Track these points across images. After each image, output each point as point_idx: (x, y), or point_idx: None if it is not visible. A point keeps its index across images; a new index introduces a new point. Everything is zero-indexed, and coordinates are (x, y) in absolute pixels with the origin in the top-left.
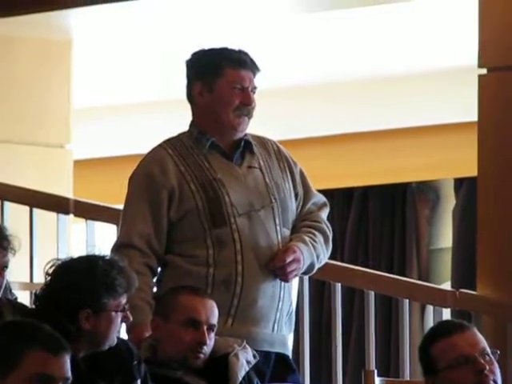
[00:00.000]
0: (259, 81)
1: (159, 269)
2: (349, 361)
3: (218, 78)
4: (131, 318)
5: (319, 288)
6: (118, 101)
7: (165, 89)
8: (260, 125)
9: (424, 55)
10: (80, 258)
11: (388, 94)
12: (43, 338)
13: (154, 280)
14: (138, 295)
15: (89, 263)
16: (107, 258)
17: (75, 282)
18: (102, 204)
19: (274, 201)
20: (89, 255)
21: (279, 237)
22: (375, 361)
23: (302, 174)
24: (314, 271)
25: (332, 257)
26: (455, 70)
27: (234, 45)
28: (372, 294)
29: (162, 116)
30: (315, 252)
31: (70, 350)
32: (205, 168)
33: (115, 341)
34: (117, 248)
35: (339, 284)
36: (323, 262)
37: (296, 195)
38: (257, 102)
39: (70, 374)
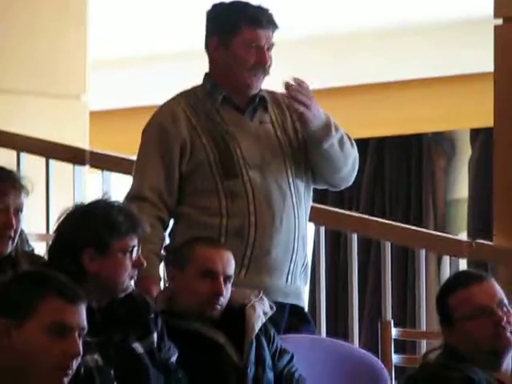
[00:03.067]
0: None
1: (171, 221)
2: (365, 312)
3: (234, 35)
4: (145, 263)
5: (335, 239)
6: (135, 51)
7: (184, 39)
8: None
9: (439, 6)
10: (83, 203)
11: (402, 46)
12: (59, 286)
13: (166, 233)
14: (146, 247)
15: (89, 205)
16: (108, 200)
17: (76, 222)
18: (118, 155)
19: (285, 154)
20: (91, 202)
21: (292, 188)
22: (392, 312)
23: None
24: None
25: (348, 207)
26: (470, 21)
27: None
28: (388, 244)
29: (180, 67)
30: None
31: (85, 299)
32: (216, 121)
33: (128, 286)
34: (128, 200)
35: (355, 234)
36: (348, 150)
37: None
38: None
39: (85, 323)
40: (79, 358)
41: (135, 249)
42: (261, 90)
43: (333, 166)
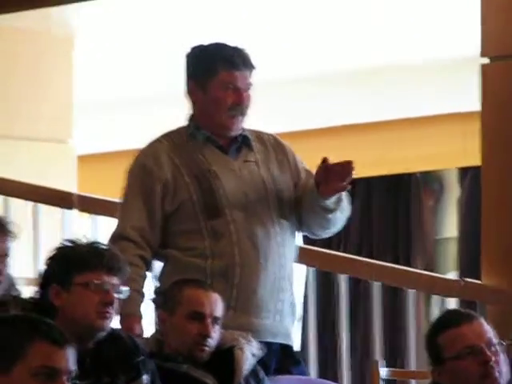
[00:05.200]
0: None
1: (157, 263)
2: (356, 352)
3: (211, 78)
4: (114, 300)
5: (325, 279)
6: (121, 95)
7: (169, 82)
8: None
9: (425, 45)
10: (59, 244)
11: (390, 85)
12: (47, 330)
13: (149, 272)
14: (129, 285)
15: (63, 243)
16: (84, 239)
17: (48, 260)
18: (105, 198)
19: (269, 193)
20: (70, 240)
21: (277, 227)
22: (381, 351)
23: (301, 162)
24: (337, 213)
25: (336, 248)
26: (457, 60)
27: (240, 35)
28: (377, 284)
29: (165, 110)
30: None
31: (73, 343)
32: (200, 160)
33: (101, 325)
34: (112, 240)
35: (344, 275)
36: (346, 212)
37: (296, 184)
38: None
39: (73, 366)
40: None
41: (105, 285)
42: (244, 130)
43: (326, 227)
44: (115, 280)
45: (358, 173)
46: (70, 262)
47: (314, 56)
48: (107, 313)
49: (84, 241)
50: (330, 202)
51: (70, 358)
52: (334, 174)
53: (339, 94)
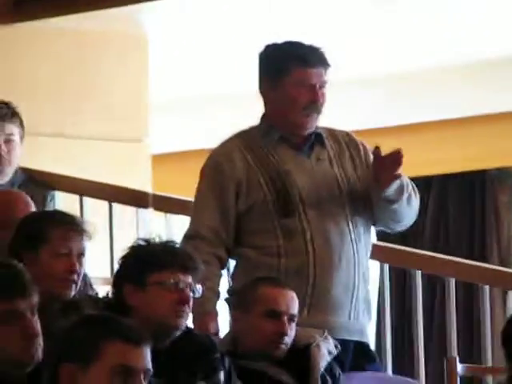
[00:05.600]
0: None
1: (231, 262)
2: (432, 349)
3: (285, 76)
4: (190, 300)
5: (401, 277)
6: (196, 93)
7: (243, 81)
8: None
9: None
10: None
11: (461, 82)
12: (123, 329)
13: (224, 270)
14: (204, 284)
15: (137, 242)
16: (158, 239)
17: (122, 259)
18: (180, 197)
19: (343, 190)
20: (144, 238)
21: (350, 225)
22: (457, 348)
23: None
24: (402, 204)
25: (412, 245)
26: None
27: (316, 34)
28: (453, 280)
29: (240, 109)
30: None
31: (150, 341)
32: (273, 160)
33: (178, 324)
34: (186, 239)
35: (419, 271)
36: (414, 204)
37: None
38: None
39: (150, 365)
40: None
41: (181, 284)
42: (317, 128)
43: (396, 219)
44: (190, 279)
45: (432, 170)
46: (144, 261)
47: (384, 56)
48: (183, 311)
49: (157, 240)
50: (390, 192)
51: (146, 357)
52: (386, 164)
53: (410, 92)
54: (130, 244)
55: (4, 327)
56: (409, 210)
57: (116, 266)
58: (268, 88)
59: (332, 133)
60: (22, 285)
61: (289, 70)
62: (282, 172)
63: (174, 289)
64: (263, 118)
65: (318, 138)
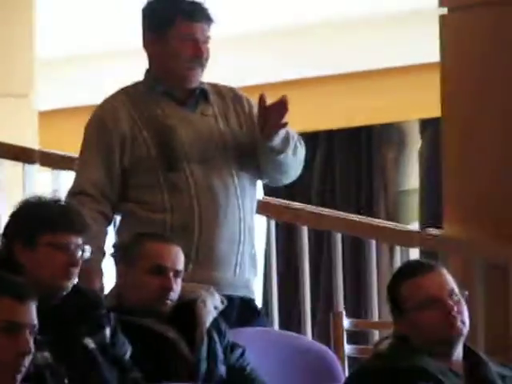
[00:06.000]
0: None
1: (114, 216)
2: (319, 304)
3: (170, 29)
4: (78, 264)
5: (287, 232)
6: (82, 50)
7: (129, 37)
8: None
9: None
10: (24, 199)
11: (351, 37)
12: (8, 285)
13: (110, 227)
14: (90, 242)
15: (28, 199)
16: (51, 196)
17: (12, 216)
18: (66, 154)
19: (227, 145)
20: (35, 196)
21: (235, 180)
22: (344, 303)
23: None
24: (288, 155)
25: (299, 200)
26: (417, 11)
27: None
28: (339, 235)
29: (126, 65)
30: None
31: (36, 297)
32: (158, 114)
33: (64, 285)
34: (70, 195)
35: (306, 227)
36: (299, 155)
37: (253, 136)
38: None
39: (36, 321)
40: (30, 356)
41: (72, 246)
42: (202, 83)
43: (282, 171)
44: (80, 240)
45: (318, 125)
46: (35, 221)
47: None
48: (72, 273)
49: (47, 198)
50: (276, 142)
51: (31, 313)
52: (272, 113)
53: (301, 45)
54: (18, 201)
55: None
56: (295, 161)
57: (4, 223)
58: (152, 42)
59: (217, 88)
60: None
61: (173, 24)
62: (166, 127)
63: (65, 250)
64: (147, 72)
65: (202, 93)
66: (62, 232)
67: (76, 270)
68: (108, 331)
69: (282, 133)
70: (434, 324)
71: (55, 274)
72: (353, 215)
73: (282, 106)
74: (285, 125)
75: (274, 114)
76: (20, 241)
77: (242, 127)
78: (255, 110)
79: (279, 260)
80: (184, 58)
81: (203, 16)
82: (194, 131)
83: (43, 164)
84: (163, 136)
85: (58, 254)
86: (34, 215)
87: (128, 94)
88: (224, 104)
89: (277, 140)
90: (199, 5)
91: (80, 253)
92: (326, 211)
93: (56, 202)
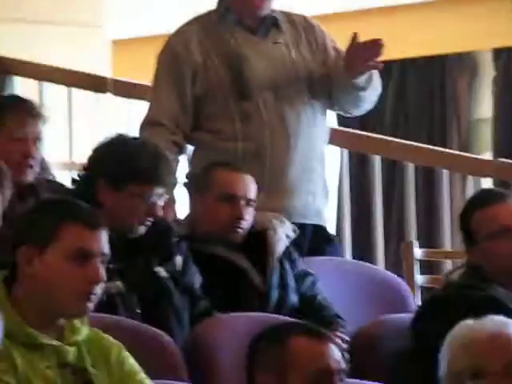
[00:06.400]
0: None
1: (187, 145)
2: (392, 236)
3: None
4: (159, 214)
5: (360, 161)
6: None
7: None
8: None
9: None
10: (122, 135)
11: None
12: (80, 212)
13: (182, 156)
14: None
15: (116, 139)
16: (146, 142)
17: (103, 152)
18: (140, 82)
19: (299, 73)
20: (129, 137)
21: (307, 109)
22: (417, 234)
23: (332, 41)
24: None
25: (371, 130)
26: None
27: None
28: (411, 165)
29: None
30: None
31: (106, 226)
32: (229, 43)
33: (137, 230)
34: (144, 125)
35: (378, 156)
36: (378, 90)
37: (325, 63)
38: None
39: (107, 249)
40: (101, 284)
41: (155, 197)
42: (273, 11)
43: (358, 105)
44: (163, 190)
45: (391, 55)
46: (129, 169)
47: None
48: (148, 221)
49: (137, 142)
50: (362, 79)
51: (103, 241)
52: (364, 52)
53: None
54: (111, 133)
55: None
56: (372, 96)
57: (82, 155)
58: None
59: (289, 16)
60: None
61: None
62: (239, 55)
63: (148, 200)
64: (220, 1)
65: (274, 21)
66: (150, 185)
67: (152, 218)
68: (179, 260)
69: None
70: (505, 253)
71: (132, 220)
72: (424, 145)
73: (376, 47)
74: (377, 66)
75: (366, 52)
76: (105, 180)
77: (313, 55)
78: (327, 37)
79: (352, 190)
80: None
81: None
82: (266, 59)
83: (117, 93)
84: (235, 64)
85: (141, 203)
86: (124, 161)
87: (200, 23)
88: (296, 32)
89: (363, 78)
90: None
91: (160, 201)
92: (397, 141)
93: (151, 155)
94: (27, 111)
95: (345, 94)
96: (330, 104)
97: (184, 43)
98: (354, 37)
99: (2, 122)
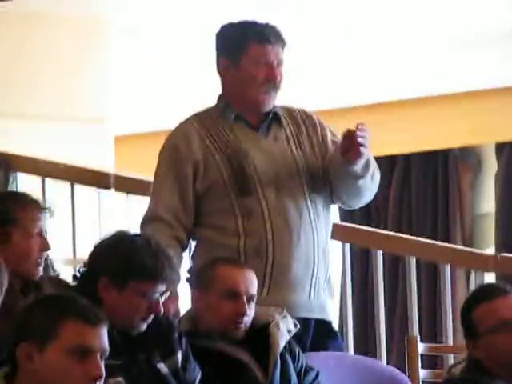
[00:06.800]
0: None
1: (189, 241)
2: (395, 328)
3: (243, 53)
4: (162, 311)
5: (365, 257)
6: (155, 75)
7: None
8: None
9: (466, 22)
10: (121, 232)
11: (426, 62)
12: (80, 308)
13: (184, 252)
14: None
15: (118, 235)
16: (148, 239)
17: (104, 249)
18: (142, 178)
19: (300, 168)
20: (130, 234)
21: (309, 203)
22: (421, 328)
23: (333, 135)
24: (367, 180)
25: (375, 225)
26: (495, 36)
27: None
28: (413, 259)
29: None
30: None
31: (106, 321)
32: (230, 139)
33: (139, 326)
34: (145, 221)
35: (380, 251)
36: (376, 179)
37: (324, 157)
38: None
39: (107, 345)
40: (102, 380)
41: (157, 294)
42: (275, 107)
43: (357, 195)
44: (165, 286)
45: (396, 150)
46: (131, 267)
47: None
48: (150, 317)
49: (139, 239)
50: (358, 167)
51: (103, 337)
52: (354, 140)
53: (375, 72)
54: (111, 230)
55: None
56: (372, 186)
57: (88, 251)
58: (225, 67)
59: (289, 111)
60: None
61: (246, 47)
62: (239, 151)
63: (150, 298)
64: (220, 97)
65: (275, 116)
66: (151, 282)
67: (153, 315)
68: (180, 356)
69: (363, 158)
70: (507, 348)
71: (134, 316)
72: (427, 240)
73: (363, 132)
74: (363, 154)
75: (356, 140)
76: (106, 278)
77: (314, 149)
78: (327, 131)
79: (356, 284)
80: (257, 81)
81: (276, 38)
82: (267, 155)
83: (118, 189)
84: (236, 160)
85: (142, 300)
86: (129, 259)
87: (200, 118)
88: (297, 127)
89: (358, 165)
90: (271, 27)
91: (162, 298)
92: (399, 236)
93: (153, 251)
94: (38, 206)
95: (343, 183)
96: (331, 198)
97: (184, 140)
98: (349, 132)
99: (16, 218)
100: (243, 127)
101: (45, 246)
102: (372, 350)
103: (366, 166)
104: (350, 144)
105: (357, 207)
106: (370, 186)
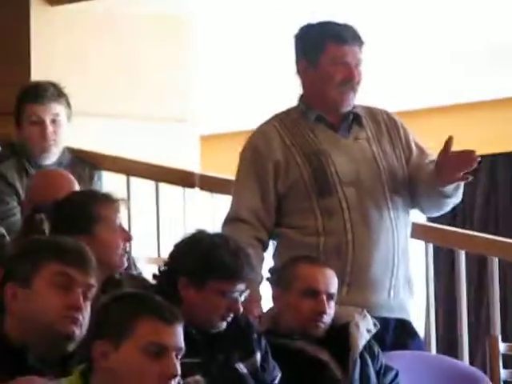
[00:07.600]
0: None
1: (270, 241)
2: (481, 328)
3: (321, 53)
4: (241, 310)
5: (450, 256)
6: (242, 75)
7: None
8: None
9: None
10: (202, 231)
11: (507, 63)
12: (155, 307)
13: (265, 252)
14: None
15: (199, 235)
16: (227, 238)
17: (184, 249)
18: (226, 177)
19: (381, 169)
20: (209, 233)
21: (389, 203)
22: (503, 327)
23: (413, 138)
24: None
25: (461, 225)
26: None
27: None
28: (496, 259)
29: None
30: None
31: (182, 320)
32: (310, 140)
33: (218, 325)
34: (227, 221)
35: (463, 251)
36: (460, 195)
37: (408, 160)
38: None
39: (182, 343)
40: (177, 379)
41: (236, 294)
42: (355, 107)
43: (439, 209)
44: (244, 285)
45: (481, 150)
46: (210, 266)
47: (429, 35)
48: (229, 317)
49: (218, 238)
50: (449, 188)
51: (178, 335)
52: (456, 162)
53: (460, 73)
54: (188, 231)
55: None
56: (455, 201)
57: (169, 250)
58: (304, 68)
59: (371, 111)
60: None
61: (324, 47)
62: (319, 151)
63: (229, 297)
64: (301, 98)
65: (355, 117)
66: (230, 281)
67: (230, 314)
68: (259, 356)
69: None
70: None
71: (213, 316)
72: (508, 239)
73: (469, 159)
74: (466, 179)
75: (459, 163)
76: (185, 277)
77: (395, 150)
78: (409, 133)
79: (441, 284)
80: (335, 81)
81: (353, 38)
82: (347, 156)
83: (203, 188)
84: (316, 161)
85: (222, 300)
86: (209, 259)
87: (281, 119)
88: (377, 127)
89: (451, 187)
90: (349, 27)
91: (241, 297)
92: (480, 235)
93: (232, 250)
94: (119, 203)
95: (429, 198)
96: (410, 203)
97: (265, 140)
98: (449, 142)
99: (101, 215)
100: (324, 128)
101: (128, 237)
102: (455, 350)
103: (457, 187)
104: (448, 163)
105: (431, 216)
106: (453, 202)
